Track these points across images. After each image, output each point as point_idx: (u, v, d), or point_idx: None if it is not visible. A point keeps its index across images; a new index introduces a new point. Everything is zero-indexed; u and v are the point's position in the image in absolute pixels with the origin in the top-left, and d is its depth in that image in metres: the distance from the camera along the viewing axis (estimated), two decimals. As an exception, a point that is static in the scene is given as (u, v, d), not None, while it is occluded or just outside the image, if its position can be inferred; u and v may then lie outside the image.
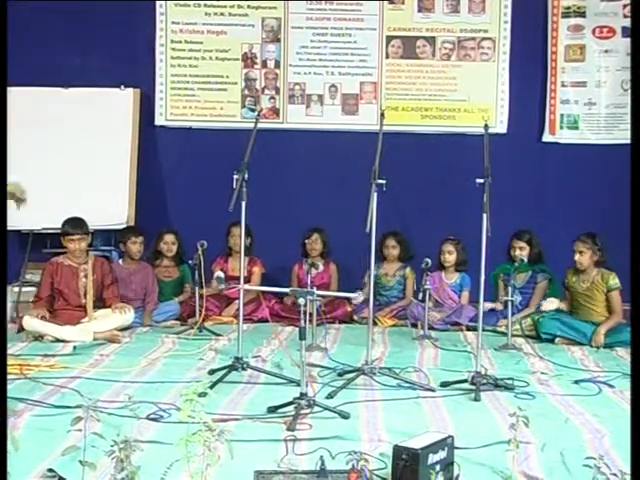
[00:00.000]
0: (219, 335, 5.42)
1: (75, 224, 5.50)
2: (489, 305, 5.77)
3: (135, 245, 6.08)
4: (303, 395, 3.47)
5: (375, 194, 4.14)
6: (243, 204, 4.18)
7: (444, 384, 4.11)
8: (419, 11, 6.79)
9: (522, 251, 5.89)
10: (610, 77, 6.73)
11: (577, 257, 5.48)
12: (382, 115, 4.47)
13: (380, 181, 4.16)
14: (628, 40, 6.25)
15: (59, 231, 5.58)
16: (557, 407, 3.76)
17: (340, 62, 6.82)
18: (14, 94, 5.97)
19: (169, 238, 6.29)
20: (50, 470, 2.72)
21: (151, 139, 6.75)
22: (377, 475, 2.73)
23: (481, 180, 4.06)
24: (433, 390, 4.02)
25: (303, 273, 6.07)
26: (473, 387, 3.94)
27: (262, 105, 6.75)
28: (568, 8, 6.75)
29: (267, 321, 5.76)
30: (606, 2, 6.71)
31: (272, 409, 3.54)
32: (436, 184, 6.59)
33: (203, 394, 2.36)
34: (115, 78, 6.53)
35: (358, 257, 6.01)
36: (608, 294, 5.46)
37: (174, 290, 6.31)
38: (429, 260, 5.54)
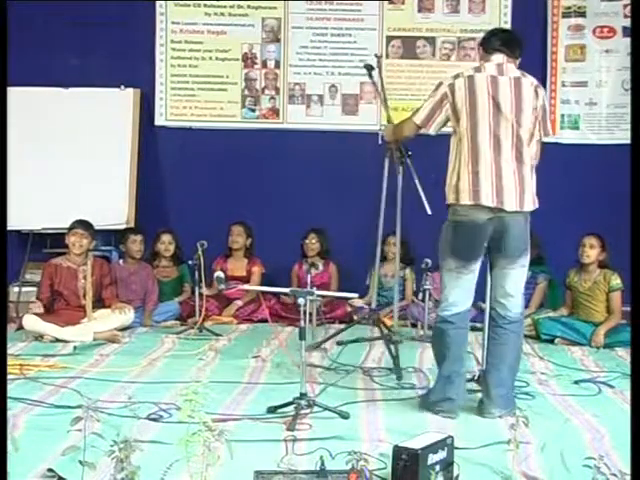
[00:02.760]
0: (219, 335, 5.42)
1: (82, 221, 5.55)
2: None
3: (135, 244, 6.07)
4: (303, 395, 3.46)
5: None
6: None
7: (444, 384, 4.10)
8: (419, 11, 6.78)
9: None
10: (611, 77, 6.72)
11: (586, 249, 5.46)
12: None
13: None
14: (629, 40, 6.24)
15: (59, 231, 5.58)
16: (557, 407, 3.76)
17: (340, 62, 6.81)
18: (14, 94, 5.96)
19: (166, 238, 6.28)
20: (50, 470, 2.72)
21: (151, 139, 6.74)
22: (377, 475, 2.73)
23: (481, 180, 4.03)
24: (433, 390, 4.02)
25: (303, 273, 6.07)
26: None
27: (262, 105, 6.77)
28: (568, 8, 6.74)
29: (267, 321, 5.76)
30: (606, 2, 6.70)
31: (272, 409, 3.53)
32: (436, 184, 6.56)
33: (203, 394, 2.36)
34: (115, 78, 6.51)
35: (358, 257, 6.02)
36: (609, 294, 5.45)
37: (173, 290, 6.31)
38: (429, 260, 5.54)
